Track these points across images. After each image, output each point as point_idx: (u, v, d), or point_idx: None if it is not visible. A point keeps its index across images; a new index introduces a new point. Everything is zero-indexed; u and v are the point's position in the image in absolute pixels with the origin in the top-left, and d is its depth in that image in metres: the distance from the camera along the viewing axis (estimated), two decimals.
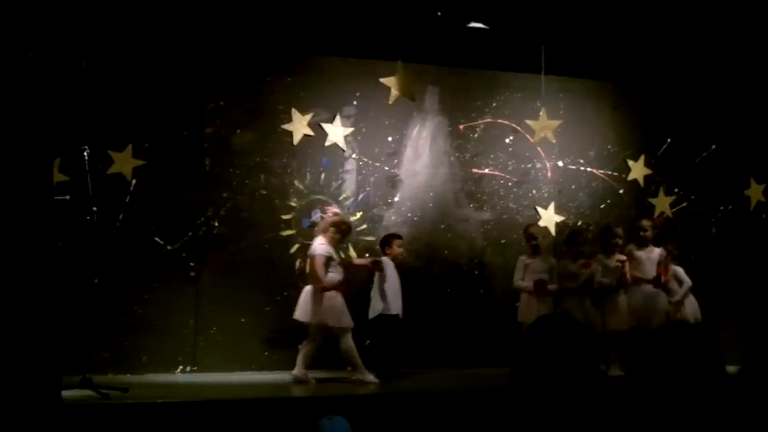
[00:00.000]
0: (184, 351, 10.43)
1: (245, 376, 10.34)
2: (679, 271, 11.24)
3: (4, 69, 6.52)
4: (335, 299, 9.94)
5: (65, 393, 7.27)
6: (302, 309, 9.97)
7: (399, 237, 10.73)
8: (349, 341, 9.95)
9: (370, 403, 8.68)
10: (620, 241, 11.09)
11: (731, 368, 2.98)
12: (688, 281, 11.20)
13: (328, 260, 9.97)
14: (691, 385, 2.85)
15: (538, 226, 11.33)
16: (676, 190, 12.53)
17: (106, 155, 10.10)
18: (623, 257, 10.95)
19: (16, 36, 6.56)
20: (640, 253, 11.18)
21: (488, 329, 11.20)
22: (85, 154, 8.80)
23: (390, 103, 10.92)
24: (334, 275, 10.02)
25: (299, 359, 9.91)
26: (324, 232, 10.12)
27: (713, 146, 12.68)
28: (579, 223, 11.90)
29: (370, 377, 9.88)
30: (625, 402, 2.94)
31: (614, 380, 7.59)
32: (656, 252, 11.22)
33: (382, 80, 10.85)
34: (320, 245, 10.00)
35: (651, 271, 11.10)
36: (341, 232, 10.24)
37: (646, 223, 11.43)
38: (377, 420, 8.04)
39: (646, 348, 3.02)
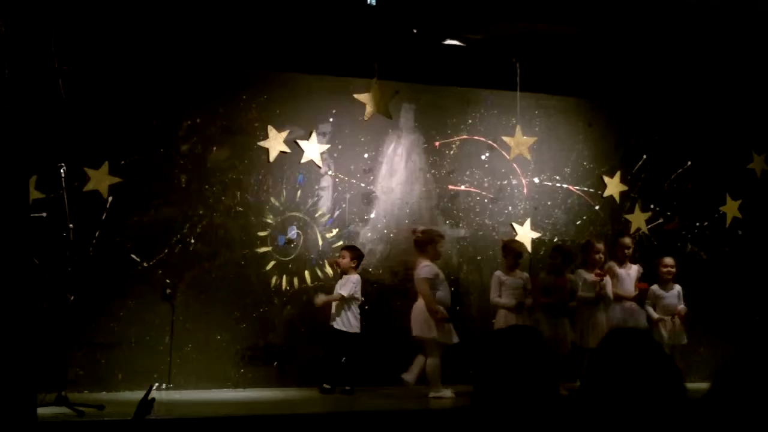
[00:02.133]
0: (160, 368, 10.38)
1: (220, 393, 10.33)
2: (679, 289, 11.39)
3: None
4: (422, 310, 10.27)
5: (40, 410, 7.23)
6: (417, 326, 10.33)
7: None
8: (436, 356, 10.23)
9: (345, 421, 8.67)
10: (602, 257, 11.14)
11: (704, 384, 3.00)
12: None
13: (434, 281, 10.26)
14: (640, 394, 2.88)
15: (520, 242, 11.36)
16: (651, 206, 12.59)
17: (82, 172, 10.12)
18: (601, 272, 10.97)
19: None
20: (621, 271, 11.22)
21: (464, 346, 11.19)
22: (62, 171, 8.80)
23: (366, 119, 10.96)
24: (441, 293, 10.30)
25: (436, 381, 10.20)
26: (424, 252, 10.38)
27: (689, 162, 12.75)
28: (555, 240, 11.93)
29: (447, 392, 10.07)
30: (580, 413, 2.96)
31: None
32: (634, 269, 11.30)
33: (356, 96, 10.92)
34: (424, 267, 10.32)
35: (631, 288, 11.15)
36: (438, 242, 10.54)
37: (628, 240, 11.48)
38: None
39: (594, 357, 3.05)
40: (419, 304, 10.32)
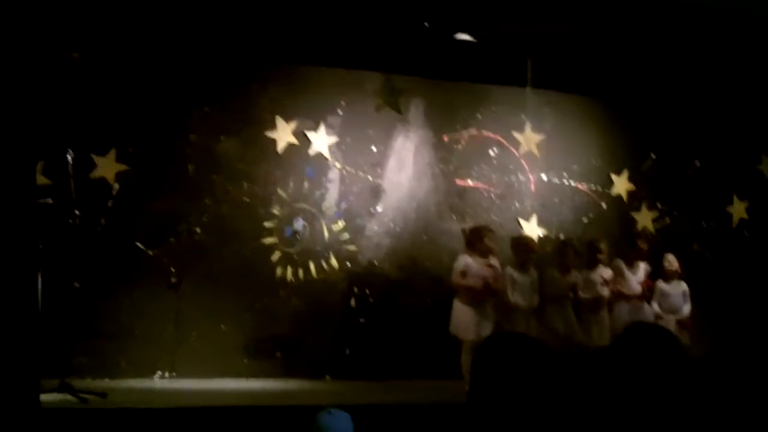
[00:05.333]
0: (163, 357, 10.39)
1: (224, 383, 10.30)
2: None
3: None
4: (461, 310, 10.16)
5: (44, 397, 7.22)
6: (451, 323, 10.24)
7: None
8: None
9: (351, 413, 8.64)
10: (604, 257, 11.05)
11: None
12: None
13: (464, 271, 10.10)
14: (660, 391, 2.87)
15: (531, 238, 11.24)
16: (658, 205, 12.58)
17: (89, 159, 10.10)
18: (606, 274, 10.90)
19: (2, 39, 6.55)
20: (628, 271, 11.10)
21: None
22: (69, 158, 8.79)
23: (376, 110, 10.92)
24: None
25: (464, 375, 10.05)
26: (474, 250, 10.25)
27: (697, 162, 12.74)
28: (561, 237, 11.86)
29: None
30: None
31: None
32: (642, 268, 11.18)
33: (367, 88, 10.88)
34: (457, 259, 10.31)
35: (636, 287, 11.05)
36: (485, 236, 10.31)
37: (644, 244, 11.31)
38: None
39: (612, 351, 3.04)
40: (456, 303, 10.22)
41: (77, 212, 8.72)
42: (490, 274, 10.06)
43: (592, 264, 10.88)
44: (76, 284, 8.77)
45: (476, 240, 10.24)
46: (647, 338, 3.01)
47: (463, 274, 10.05)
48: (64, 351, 8.67)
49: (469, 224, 11.22)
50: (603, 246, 11.00)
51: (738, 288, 12.47)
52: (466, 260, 10.12)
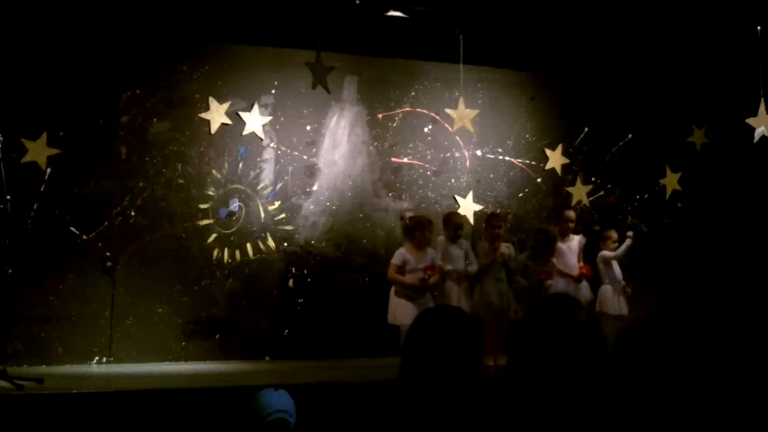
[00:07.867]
0: (100, 342, 10.31)
1: (161, 367, 10.26)
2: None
3: None
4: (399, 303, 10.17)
5: None
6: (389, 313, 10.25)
7: None
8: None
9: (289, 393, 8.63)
10: (573, 225, 11.19)
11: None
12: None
13: (400, 267, 10.18)
14: (566, 361, 2.89)
15: (461, 215, 11.28)
16: (593, 179, 12.68)
17: (20, 144, 9.95)
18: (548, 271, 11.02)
19: None
20: (562, 245, 11.15)
21: None
22: None
23: (312, 88, 10.85)
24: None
25: None
26: (412, 238, 10.34)
27: (630, 135, 12.86)
28: (498, 211, 11.89)
29: None
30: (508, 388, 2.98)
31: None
32: (576, 240, 11.26)
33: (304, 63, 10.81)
34: (396, 253, 10.38)
35: (572, 261, 11.10)
36: (426, 228, 10.33)
37: (572, 214, 11.40)
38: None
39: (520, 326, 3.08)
40: (392, 296, 10.24)
41: (8, 197, 8.60)
42: (428, 272, 10.11)
43: (561, 233, 11.14)
44: (10, 270, 8.66)
45: (417, 231, 10.22)
46: (552, 308, 3.04)
47: (401, 269, 10.09)
48: None
49: (408, 211, 11.25)
50: (571, 214, 11.22)
51: (672, 259, 12.61)
52: (405, 256, 10.15)
